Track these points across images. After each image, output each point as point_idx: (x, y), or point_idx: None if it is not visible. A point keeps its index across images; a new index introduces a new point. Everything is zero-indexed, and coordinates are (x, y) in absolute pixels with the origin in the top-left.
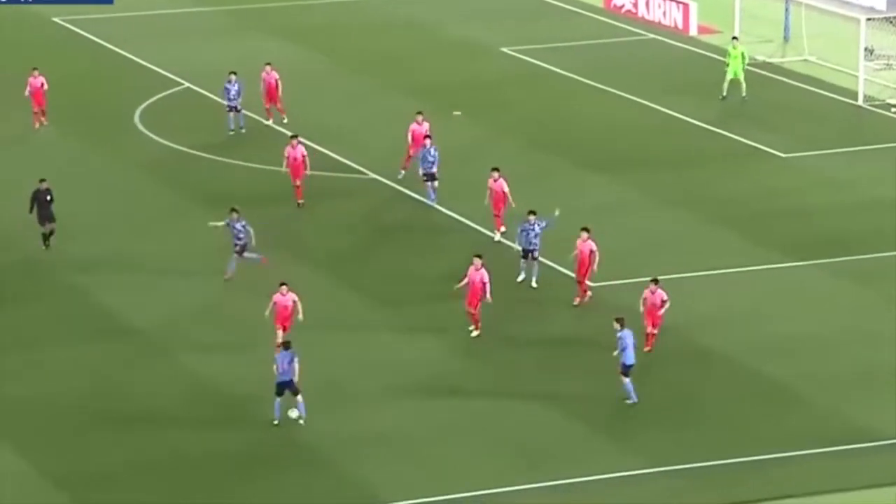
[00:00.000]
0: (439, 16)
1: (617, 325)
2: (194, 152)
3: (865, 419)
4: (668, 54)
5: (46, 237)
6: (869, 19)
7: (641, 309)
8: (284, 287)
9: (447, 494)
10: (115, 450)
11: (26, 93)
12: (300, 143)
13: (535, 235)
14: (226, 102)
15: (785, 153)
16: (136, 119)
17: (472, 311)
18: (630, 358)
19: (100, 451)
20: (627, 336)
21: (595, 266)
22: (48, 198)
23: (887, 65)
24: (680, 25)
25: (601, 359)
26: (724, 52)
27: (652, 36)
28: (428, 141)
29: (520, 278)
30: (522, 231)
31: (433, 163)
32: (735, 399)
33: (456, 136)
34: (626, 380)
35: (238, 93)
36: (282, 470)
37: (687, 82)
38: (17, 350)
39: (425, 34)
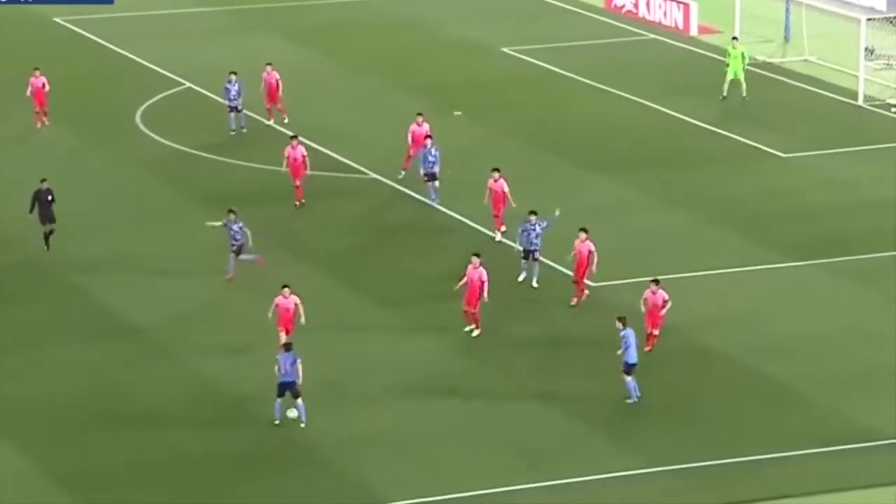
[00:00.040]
0: (440, 16)
1: (619, 325)
2: (195, 152)
3: (865, 419)
4: (668, 54)
5: (47, 237)
6: (869, 19)
7: (643, 309)
8: (287, 290)
9: (447, 494)
10: (115, 450)
11: (28, 93)
12: (300, 143)
13: (537, 236)
14: (226, 102)
15: (785, 153)
16: (138, 119)
17: (472, 310)
18: (633, 357)
19: (100, 451)
20: (630, 335)
21: (594, 267)
22: (49, 198)
23: (887, 65)
24: (680, 25)
25: (601, 359)
26: (725, 53)
27: (652, 36)
28: (429, 141)
29: (520, 278)
30: (523, 231)
31: (434, 163)
32: (735, 399)
33: (456, 136)
34: (628, 378)
35: (238, 93)
36: (282, 470)
37: (687, 82)
38: (17, 350)
39: (426, 34)
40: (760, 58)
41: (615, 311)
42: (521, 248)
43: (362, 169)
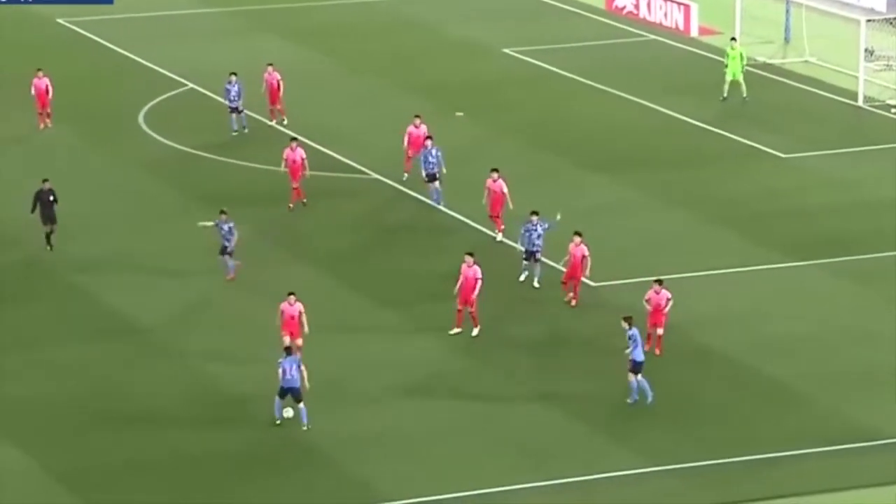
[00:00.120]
0: (440, 16)
1: (625, 324)
2: (198, 153)
3: (865, 419)
4: (669, 55)
5: (49, 237)
6: (869, 20)
7: (648, 308)
8: (292, 297)
9: (447, 494)
10: (115, 450)
11: (32, 93)
12: (300, 145)
13: (538, 236)
14: (227, 104)
15: (785, 154)
16: (140, 120)
17: (470, 309)
18: (640, 355)
19: (100, 451)
20: (637, 334)
21: (587, 272)
22: (51, 198)
23: (887, 66)
24: (681, 26)
25: (601, 359)
26: (724, 54)
27: (653, 37)
28: (429, 142)
29: (522, 278)
30: (525, 232)
31: (434, 164)
32: (735, 399)
33: (457, 137)
34: (633, 378)
35: (238, 94)
36: (282, 470)
37: (688, 83)
38: (17, 350)
39: (426, 35)
40: (761, 59)
41: (615, 310)
42: (522, 249)
43: (363, 169)
